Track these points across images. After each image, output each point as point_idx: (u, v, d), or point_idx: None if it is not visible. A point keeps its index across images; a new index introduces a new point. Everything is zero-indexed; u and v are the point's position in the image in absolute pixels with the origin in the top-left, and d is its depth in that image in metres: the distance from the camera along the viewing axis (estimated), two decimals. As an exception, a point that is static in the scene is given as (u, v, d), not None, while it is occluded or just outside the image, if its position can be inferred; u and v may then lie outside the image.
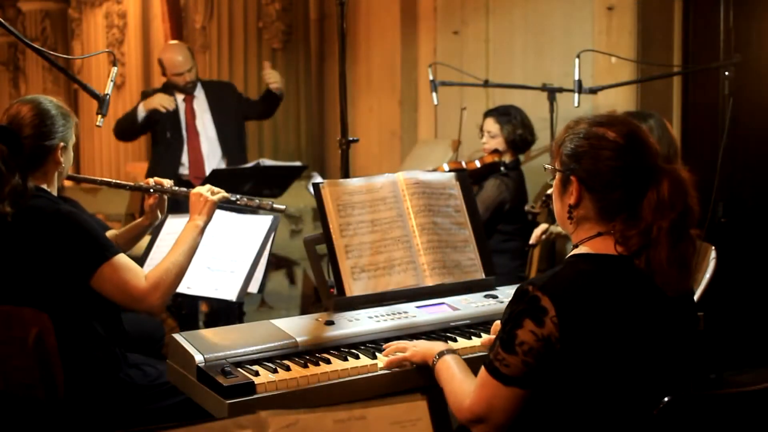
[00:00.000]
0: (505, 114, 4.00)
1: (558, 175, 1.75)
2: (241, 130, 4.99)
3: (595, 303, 1.59)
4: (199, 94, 4.83)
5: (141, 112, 4.72)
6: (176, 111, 4.74)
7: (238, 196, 2.55)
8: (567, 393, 1.61)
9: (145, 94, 4.99)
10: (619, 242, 1.65)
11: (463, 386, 1.74)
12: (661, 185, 1.63)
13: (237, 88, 5.31)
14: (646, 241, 1.62)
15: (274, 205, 2.60)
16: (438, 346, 1.95)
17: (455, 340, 2.14)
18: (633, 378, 1.62)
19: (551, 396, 1.62)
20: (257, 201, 2.58)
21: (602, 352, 1.58)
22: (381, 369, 1.98)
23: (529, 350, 1.58)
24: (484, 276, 2.47)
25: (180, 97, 4.77)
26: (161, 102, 4.68)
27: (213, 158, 4.78)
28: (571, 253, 1.72)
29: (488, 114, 4.08)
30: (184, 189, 2.56)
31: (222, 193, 2.49)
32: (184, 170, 4.76)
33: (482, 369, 1.66)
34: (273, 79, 4.81)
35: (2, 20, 2.44)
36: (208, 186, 2.50)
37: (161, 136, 4.74)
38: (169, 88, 4.80)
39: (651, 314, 1.64)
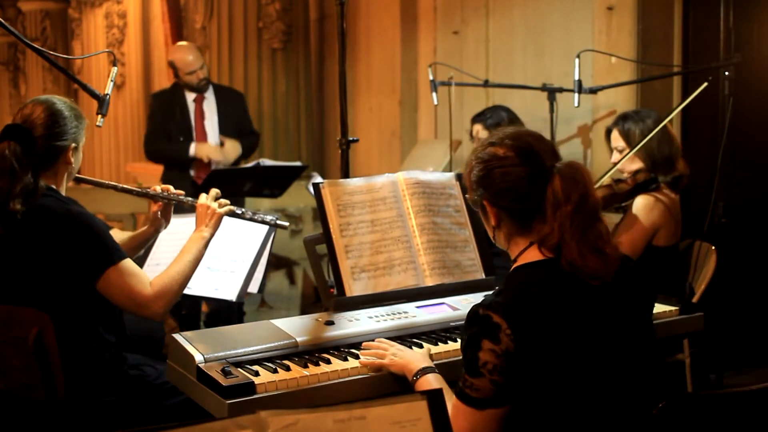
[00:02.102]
0: (492, 118, 3.96)
1: (477, 203, 1.80)
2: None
3: (540, 309, 1.62)
4: (210, 96, 4.84)
5: (191, 155, 4.68)
6: (186, 112, 4.75)
7: (243, 210, 2.57)
8: (537, 400, 1.62)
9: (157, 96, 5.00)
10: (542, 245, 1.69)
11: None
12: (553, 182, 1.68)
13: (246, 100, 5.28)
14: (559, 238, 1.66)
15: (278, 222, 2.63)
16: (418, 360, 1.93)
17: (455, 341, 2.14)
18: (593, 372, 1.63)
19: (522, 407, 1.62)
20: (261, 216, 2.60)
21: (557, 352, 1.60)
22: (359, 370, 1.96)
23: (494, 368, 1.59)
24: (484, 276, 2.48)
25: (191, 97, 4.78)
26: (208, 154, 4.66)
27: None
28: (511, 268, 1.76)
29: (476, 119, 4.03)
30: (190, 198, 2.56)
31: (229, 206, 2.50)
32: (191, 171, 4.76)
33: (454, 398, 1.66)
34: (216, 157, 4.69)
35: (2, 20, 2.44)
36: (214, 194, 2.50)
37: (174, 139, 4.74)
38: (179, 88, 4.81)
39: (586, 308, 1.65)
